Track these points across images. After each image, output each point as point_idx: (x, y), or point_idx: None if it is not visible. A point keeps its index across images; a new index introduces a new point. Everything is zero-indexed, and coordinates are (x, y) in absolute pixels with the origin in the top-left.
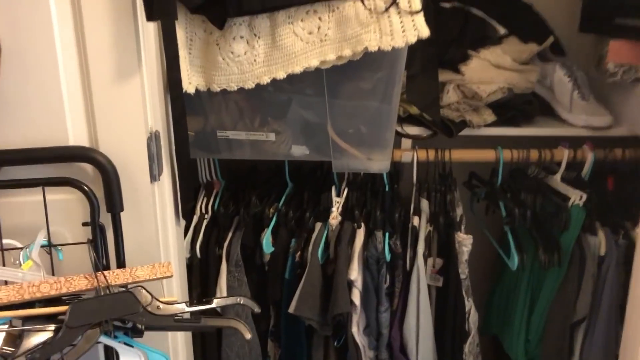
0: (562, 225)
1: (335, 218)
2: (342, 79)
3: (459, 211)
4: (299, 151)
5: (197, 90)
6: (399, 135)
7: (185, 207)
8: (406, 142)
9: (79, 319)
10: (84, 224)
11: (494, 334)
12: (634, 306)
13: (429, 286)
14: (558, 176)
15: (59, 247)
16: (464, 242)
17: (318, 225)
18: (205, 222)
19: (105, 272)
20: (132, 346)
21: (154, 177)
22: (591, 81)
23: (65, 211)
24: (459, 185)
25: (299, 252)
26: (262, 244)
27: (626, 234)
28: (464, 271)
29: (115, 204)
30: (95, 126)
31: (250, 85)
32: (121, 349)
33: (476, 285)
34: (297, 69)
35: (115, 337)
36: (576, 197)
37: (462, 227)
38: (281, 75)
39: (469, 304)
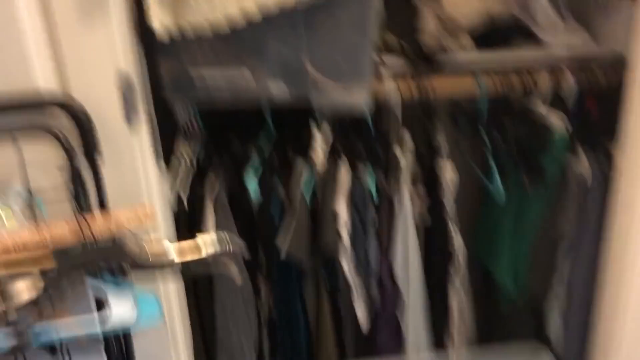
0: (544, 149)
1: (319, 157)
2: (317, 11)
3: (442, 142)
4: (277, 88)
5: (168, 30)
6: (378, 67)
7: (165, 152)
8: (387, 80)
9: (65, 264)
10: (62, 171)
11: (482, 262)
12: (616, 224)
13: (415, 223)
14: (539, 101)
15: (40, 199)
16: (448, 173)
17: (302, 165)
18: (187, 168)
19: (88, 218)
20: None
21: (129, 121)
22: (571, 2)
23: (41, 161)
24: (443, 120)
25: (285, 194)
26: (248, 188)
27: (607, 154)
28: (449, 202)
29: (91, 150)
30: (65, 72)
31: (221, 21)
32: (110, 289)
33: (462, 215)
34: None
35: (103, 280)
36: (558, 120)
37: (446, 158)
38: (251, 6)
39: (456, 233)
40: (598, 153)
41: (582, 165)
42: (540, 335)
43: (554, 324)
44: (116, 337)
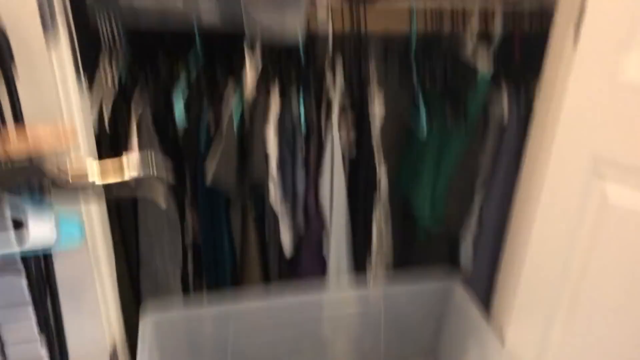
0: (469, 90)
1: (249, 82)
2: None
3: (373, 81)
4: (208, 10)
5: None
6: None
7: (88, 70)
8: (322, 10)
9: None
10: None
11: (404, 195)
12: (530, 164)
13: (342, 154)
14: (469, 45)
15: None
16: (376, 106)
17: (232, 95)
18: (110, 87)
19: (3, 135)
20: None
21: (47, 35)
22: None
23: None
24: (374, 56)
25: (213, 118)
26: (175, 116)
27: (527, 98)
28: (375, 134)
29: (6, 62)
30: None
31: None
32: (29, 208)
33: (388, 151)
34: None
35: (22, 199)
36: (484, 63)
37: (375, 97)
38: None
39: (380, 170)
40: (519, 95)
41: (502, 105)
42: (453, 262)
43: (466, 251)
44: (36, 259)
